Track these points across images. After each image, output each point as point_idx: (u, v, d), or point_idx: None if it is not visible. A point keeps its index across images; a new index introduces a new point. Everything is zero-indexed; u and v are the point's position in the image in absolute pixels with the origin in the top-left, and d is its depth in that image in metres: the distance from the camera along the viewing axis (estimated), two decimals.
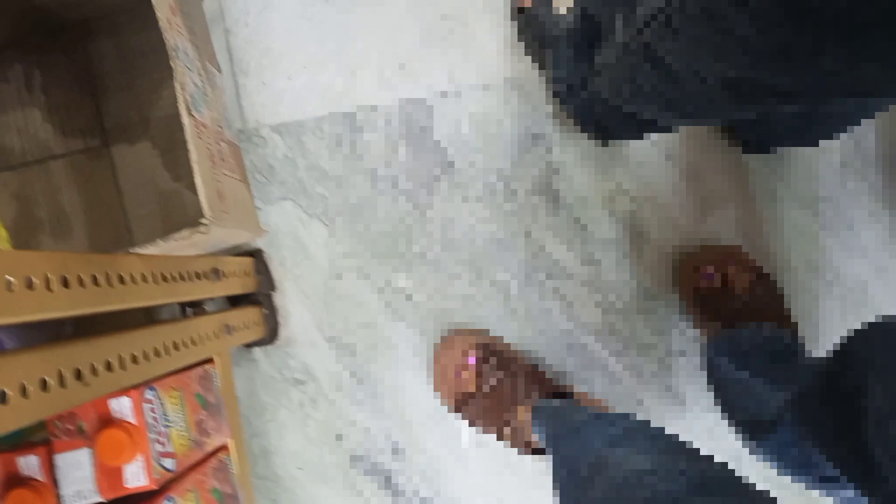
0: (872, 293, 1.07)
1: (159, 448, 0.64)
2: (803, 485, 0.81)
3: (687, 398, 1.07)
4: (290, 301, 1.08)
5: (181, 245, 0.71)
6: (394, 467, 1.06)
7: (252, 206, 0.98)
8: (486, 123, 1.08)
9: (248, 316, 0.99)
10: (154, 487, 0.62)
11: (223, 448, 0.82)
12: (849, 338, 0.70)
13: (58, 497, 0.60)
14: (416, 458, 1.07)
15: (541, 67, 1.06)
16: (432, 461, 1.06)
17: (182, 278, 0.76)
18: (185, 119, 0.69)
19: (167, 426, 0.67)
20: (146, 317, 0.89)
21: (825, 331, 1.07)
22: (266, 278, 1.05)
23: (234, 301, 1.02)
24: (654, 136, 1.06)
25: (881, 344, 0.65)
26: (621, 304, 1.07)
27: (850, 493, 0.74)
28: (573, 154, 1.08)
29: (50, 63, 0.85)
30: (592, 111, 0.99)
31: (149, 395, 0.65)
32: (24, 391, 0.47)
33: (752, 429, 0.87)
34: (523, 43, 1.07)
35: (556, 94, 1.05)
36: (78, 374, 0.54)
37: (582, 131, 1.06)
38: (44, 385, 0.49)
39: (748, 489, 0.61)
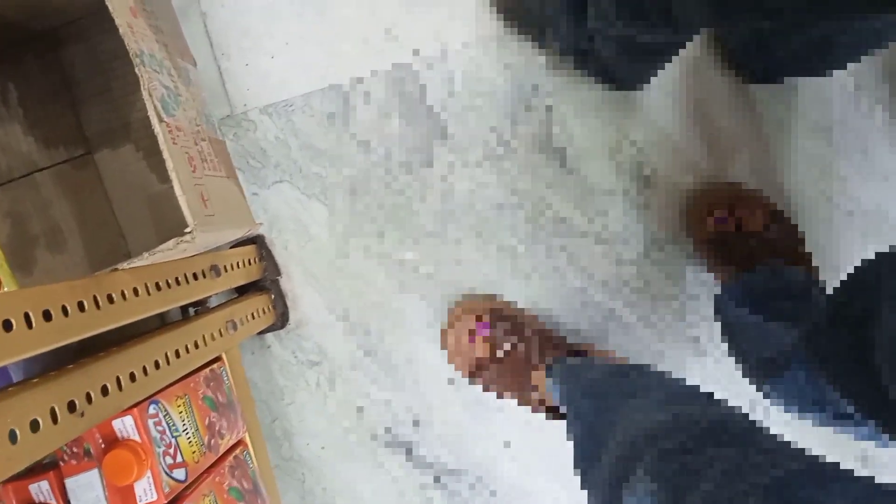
0: (894, 218, 1.04)
1: (168, 461, 0.65)
2: (819, 426, 0.79)
3: (705, 345, 1.05)
4: (298, 284, 1.07)
5: (171, 254, 0.71)
6: (415, 438, 1.07)
7: (242, 201, 0.97)
8: (479, 82, 1.04)
9: (257, 304, 0.99)
10: (164, 501, 0.62)
11: (240, 444, 0.83)
12: (857, 268, 0.68)
13: None
14: (437, 427, 1.07)
15: (540, 46, 1.02)
16: (453, 429, 1.07)
17: (179, 283, 0.76)
18: (157, 127, 0.67)
19: (175, 436, 0.67)
20: (157, 319, 0.89)
21: (845, 264, 1.04)
22: (271, 264, 1.05)
23: (241, 290, 1.01)
24: (654, 78, 1.02)
25: (889, 271, 0.62)
26: (633, 254, 1.05)
27: (865, 429, 0.73)
28: (572, 106, 1.04)
29: (24, 75, 0.83)
30: (599, 58, 0.95)
31: (152, 409, 0.65)
32: (13, 437, 0.47)
33: (765, 371, 0.85)
34: (514, 28, 1.02)
35: (561, 53, 1.01)
36: (72, 407, 0.54)
37: (595, 82, 1.02)
38: (35, 426, 0.50)
39: (762, 435, 0.60)
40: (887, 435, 0.66)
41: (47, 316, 0.54)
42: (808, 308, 0.86)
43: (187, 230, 0.66)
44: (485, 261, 1.06)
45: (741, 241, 0.99)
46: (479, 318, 1.01)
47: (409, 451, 1.07)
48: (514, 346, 0.99)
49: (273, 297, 1.03)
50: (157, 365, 0.68)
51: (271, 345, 1.08)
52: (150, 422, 0.64)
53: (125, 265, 0.66)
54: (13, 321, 0.50)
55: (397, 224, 1.06)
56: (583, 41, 0.95)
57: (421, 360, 1.07)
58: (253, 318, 0.96)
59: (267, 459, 0.87)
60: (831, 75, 1.00)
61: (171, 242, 0.67)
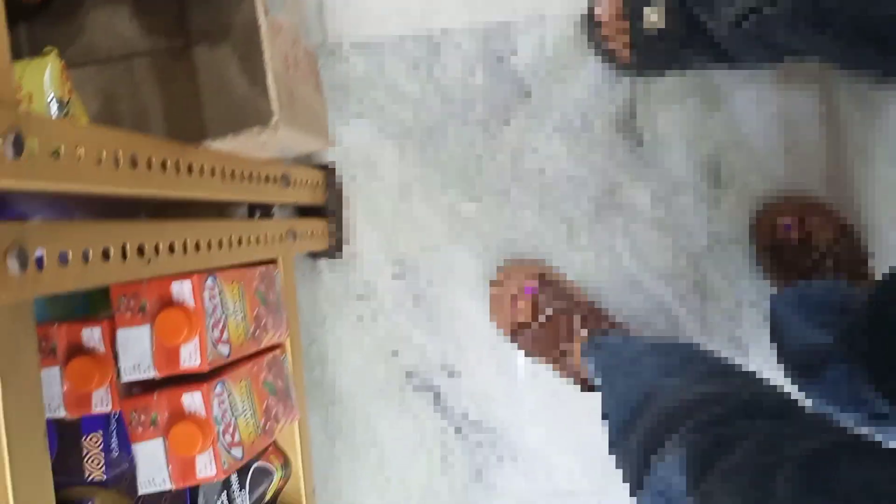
0: None
1: (216, 333, 0.67)
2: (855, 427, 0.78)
3: (750, 349, 1.04)
4: (358, 218, 1.09)
5: (251, 144, 0.73)
6: (445, 388, 1.08)
7: (324, 115, 0.99)
8: (569, 53, 1.05)
9: (315, 226, 1.01)
10: (206, 369, 0.65)
11: (280, 346, 0.85)
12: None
13: (116, 369, 0.64)
14: (468, 381, 1.08)
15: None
16: (484, 386, 1.08)
17: (251, 178, 0.79)
18: (261, 18, 0.70)
19: (225, 314, 0.70)
20: (217, 215, 0.91)
21: None
22: (336, 193, 1.07)
23: (304, 212, 1.04)
24: (741, 80, 1.01)
25: None
26: (696, 248, 1.04)
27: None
28: (659, 91, 1.04)
29: None
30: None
31: (209, 282, 0.68)
32: (85, 257, 0.50)
33: (804, 370, 0.84)
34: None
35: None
36: (140, 251, 0.57)
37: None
38: (105, 255, 0.52)
39: (799, 409, 0.59)
40: None
41: (133, 162, 0.56)
42: (848, 311, 0.85)
43: (273, 118, 0.68)
44: (543, 228, 1.06)
45: (805, 251, 0.98)
46: (527, 280, 1.02)
47: (436, 398, 1.08)
48: (556, 312, 0.99)
49: (332, 224, 1.06)
50: (220, 244, 0.70)
51: (322, 271, 1.10)
52: (206, 293, 0.67)
53: (209, 142, 0.69)
54: (102, 157, 0.52)
55: (464, 178, 1.08)
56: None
57: (464, 315, 1.08)
58: (311, 235, 0.99)
59: (301, 371, 0.89)
60: None
61: (255, 129, 0.69)
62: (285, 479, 0.86)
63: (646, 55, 0.99)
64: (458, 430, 1.08)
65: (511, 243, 1.07)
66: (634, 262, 1.05)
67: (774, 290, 1.00)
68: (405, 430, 1.09)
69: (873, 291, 0.71)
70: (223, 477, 0.67)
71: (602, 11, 0.99)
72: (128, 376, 0.65)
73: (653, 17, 0.96)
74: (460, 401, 1.08)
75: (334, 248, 1.07)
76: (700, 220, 1.04)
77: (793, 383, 0.87)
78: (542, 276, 1.02)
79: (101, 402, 0.66)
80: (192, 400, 0.65)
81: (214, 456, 0.66)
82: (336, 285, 1.10)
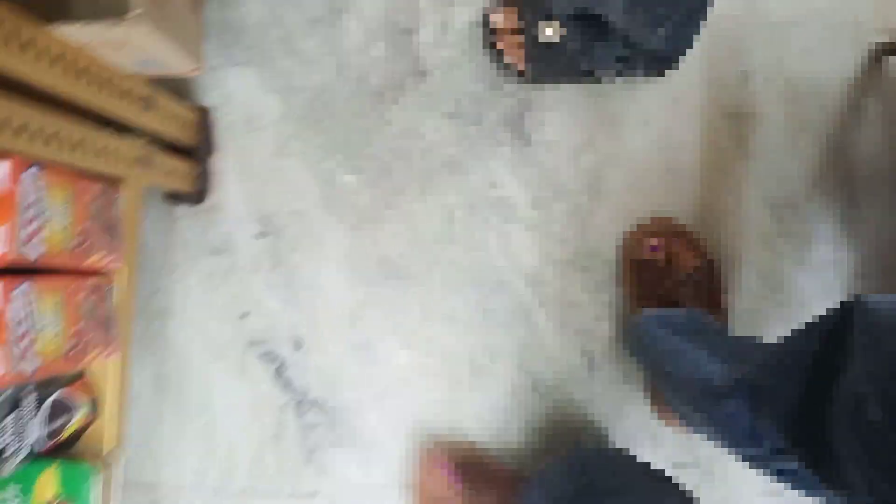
0: (814, 310, 1.05)
1: (29, 229, 0.60)
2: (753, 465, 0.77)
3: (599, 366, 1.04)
4: (227, 169, 1.03)
5: (107, 41, 0.67)
6: (291, 361, 1.03)
7: (198, 36, 0.93)
8: (470, 43, 1.04)
9: (178, 166, 0.94)
10: (7, 261, 0.57)
11: (109, 275, 0.78)
12: (822, 317, 0.66)
13: None
14: (317, 358, 1.03)
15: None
16: (332, 366, 1.03)
17: (103, 85, 0.72)
18: None
19: (45, 212, 0.63)
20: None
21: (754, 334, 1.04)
22: (208, 137, 1.01)
23: (171, 150, 0.97)
24: (632, 98, 1.03)
25: (861, 325, 0.59)
26: (561, 255, 1.04)
27: (796, 464, 0.70)
28: (551, 98, 1.04)
29: None
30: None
31: (33, 170, 0.61)
32: None
33: (700, 399, 0.82)
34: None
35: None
36: None
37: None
38: None
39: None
40: (825, 485, 0.64)
41: None
42: (743, 346, 0.85)
43: (131, 12, 0.63)
44: (419, 210, 1.04)
45: (666, 274, 0.99)
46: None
47: (279, 370, 1.03)
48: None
49: (199, 169, 0.99)
50: (56, 136, 0.63)
51: (179, 218, 1.03)
52: (26, 181, 0.59)
53: (59, 25, 0.63)
54: None
55: (347, 146, 1.04)
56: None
57: (324, 288, 1.03)
58: (171, 174, 0.92)
59: (130, 309, 0.82)
60: None
61: (110, 20, 0.63)
62: (89, 419, 0.78)
63: (540, 68, 1.00)
64: (297, 405, 1.02)
65: (383, 219, 1.04)
66: (504, 259, 1.04)
67: (632, 309, 1.01)
68: (241, 398, 1.02)
69: (786, 338, 0.71)
70: (6, 383, 0.59)
71: (497, 21, 0.99)
72: None
73: (548, 31, 0.97)
74: (305, 376, 1.03)
75: (197, 195, 1.01)
76: (572, 228, 1.04)
77: (684, 412, 0.85)
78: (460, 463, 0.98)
79: None
80: None
81: (2, 355, 0.58)
82: (192, 235, 1.03)
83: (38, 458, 0.71)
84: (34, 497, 0.71)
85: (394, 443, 1.02)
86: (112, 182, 0.77)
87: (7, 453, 0.64)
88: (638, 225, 1.04)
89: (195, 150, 0.99)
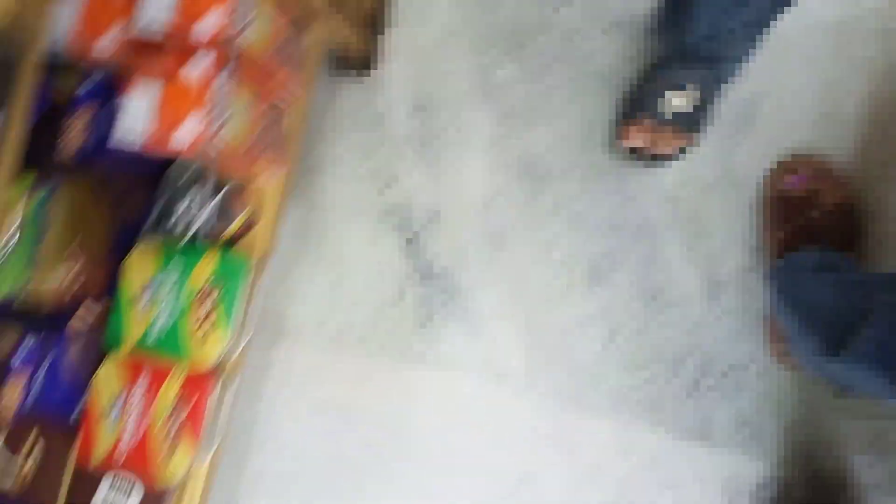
0: None
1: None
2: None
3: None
4: (396, 47, 1.10)
5: None
6: (423, 234, 1.08)
7: None
8: None
9: (352, 31, 1.00)
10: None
11: (286, 105, 0.85)
12: None
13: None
14: (448, 234, 1.08)
15: None
16: (459, 246, 1.07)
17: None
18: None
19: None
20: None
21: None
22: (383, 14, 1.07)
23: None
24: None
25: None
26: (702, 177, 1.04)
27: None
28: None
29: None
30: None
31: None
32: None
33: (837, 336, 0.80)
34: None
35: None
36: None
37: None
38: None
39: None
40: None
41: None
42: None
43: None
44: (571, 111, 1.07)
45: (807, 204, 0.99)
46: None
47: (410, 241, 1.08)
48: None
49: (371, 39, 1.06)
50: None
51: (343, 88, 1.10)
52: None
53: None
54: None
55: (511, 43, 1.08)
56: None
57: (466, 170, 1.08)
58: (352, 30, 0.98)
59: (298, 137, 0.89)
60: None
61: None
62: (250, 224, 0.85)
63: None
64: (421, 277, 1.08)
65: (534, 113, 1.07)
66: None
67: (766, 245, 1.01)
68: (371, 261, 1.09)
69: None
70: (192, 155, 0.67)
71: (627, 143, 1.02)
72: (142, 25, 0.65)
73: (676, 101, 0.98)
74: (432, 251, 1.08)
75: (362, 64, 1.07)
76: (719, 155, 1.04)
77: (818, 352, 0.84)
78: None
79: (106, 48, 0.66)
80: (196, 66, 0.65)
81: (197, 129, 0.66)
82: (351, 106, 1.10)
83: (204, 241, 0.79)
84: (191, 277, 0.78)
85: (501, 329, 1.06)
86: (304, 19, 0.84)
87: (187, 219, 0.72)
88: (785, 159, 1.03)
89: (373, 20, 1.05)
